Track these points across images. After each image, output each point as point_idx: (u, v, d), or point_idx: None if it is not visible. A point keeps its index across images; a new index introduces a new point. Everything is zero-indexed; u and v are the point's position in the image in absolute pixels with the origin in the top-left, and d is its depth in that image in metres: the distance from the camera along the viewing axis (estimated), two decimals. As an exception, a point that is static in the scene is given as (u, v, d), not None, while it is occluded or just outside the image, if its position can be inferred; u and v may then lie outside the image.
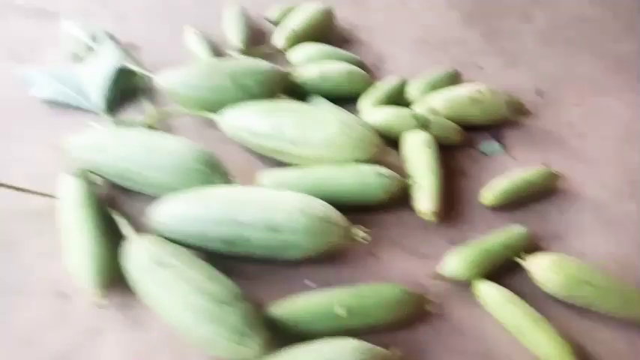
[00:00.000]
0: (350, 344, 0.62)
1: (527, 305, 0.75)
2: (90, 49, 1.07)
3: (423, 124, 0.96)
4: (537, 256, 0.80)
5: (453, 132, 1.00)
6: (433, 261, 0.83)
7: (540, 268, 0.78)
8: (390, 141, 0.94)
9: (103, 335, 0.71)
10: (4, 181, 0.79)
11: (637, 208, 0.96)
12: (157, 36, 1.22)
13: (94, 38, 1.08)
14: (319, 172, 0.83)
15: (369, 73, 1.14)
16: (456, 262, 0.78)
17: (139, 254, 0.70)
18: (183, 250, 0.72)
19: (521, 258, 0.81)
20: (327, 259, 0.81)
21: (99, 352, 0.69)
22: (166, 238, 0.75)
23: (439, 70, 1.12)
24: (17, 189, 0.80)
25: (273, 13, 1.27)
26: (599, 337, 0.76)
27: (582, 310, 0.78)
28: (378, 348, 0.64)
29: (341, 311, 0.68)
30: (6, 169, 0.90)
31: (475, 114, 1.03)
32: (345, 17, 1.35)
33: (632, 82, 1.27)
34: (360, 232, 0.76)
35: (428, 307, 0.75)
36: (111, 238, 0.77)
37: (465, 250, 0.80)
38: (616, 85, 1.26)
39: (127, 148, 0.81)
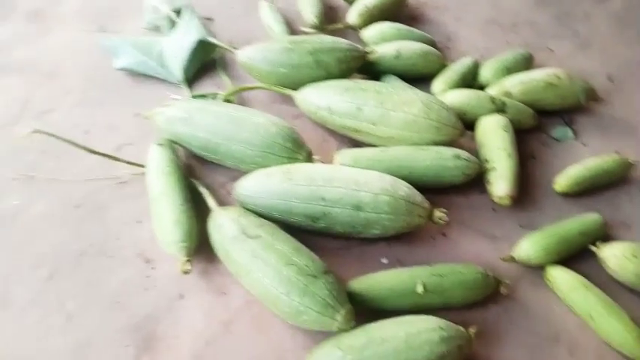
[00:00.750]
0: (432, 320, 0.65)
1: (599, 291, 0.76)
2: (171, 20, 1.09)
3: (500, 108, 0.96)
4: (611, 244, 0.80)
5: (528, 116, 0.99)
6: (503, 243, 0.85)
7: (614, 256, 0.78)
8: (465, 123, 0.94)
9: (186, 300, 0.75)
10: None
11: None
12: (232, 10, 1.24)
13: (174, 10, 1.10)
14: (397, 152, 0.85)
15: (441, 53, 1.14)
16: (529, 246, 0.79)
17: (227, 224, 0.73)
18: (267, 222, 0.75)
19: (595, 246, 0.82)
20: (401, 238, 0.83)
21: (182, 316, 0.74)
22: (251, 210, 0.78)
23: (513, 53, 1.10)
24: (106, 156, 0.84)
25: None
26: (668, 327, 0.77)
27: (654, 300, 0.79)
28: (457, 326, 0.66)
29: (420, 289, 0.71)
30: (92, 136, 0.95)
31: (550, 99, 1.02)
32: (415, -6, 1.34)
33: None
34: (440, 214, 0.78)
35: (502, 288, 0.76)
36: (195, 208, 0.80)
37: (539, 234, 0.81)
38: (692, 74, 1.22)
39: (212, 120, 0.83)
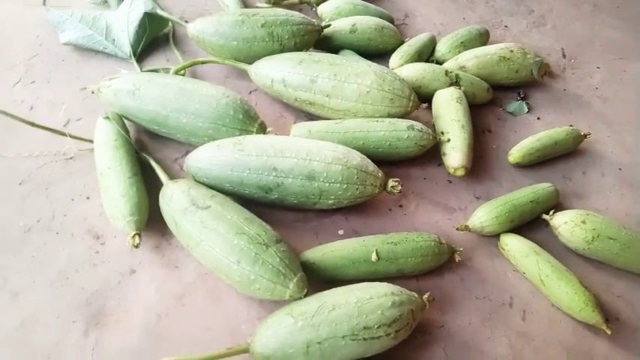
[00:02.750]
0: (384, 286, 0.65)
1: (550, 256, 0.78)
2: (119, -6, 1.06)
3: (454, 81, 0.96)
4: (562, 213, 0.81)
5: (482, 89, 1.00)
6: (459, 214, 0.86)
7: (565, 223, 0.80)
8: (421, 97, 0.94)
9: (137, 275, 0.73)
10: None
11: (659, 170, 0.98)
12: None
13: (123, -17, 1.07)
14: (352, 124, 0.84)
15: (398, 30, 1.14)
16: (482, 215, 0.80)
17: (177, 196, 0.71)
18: (219, 194, 0.73)
19: (548, 214, 0.83)
20: (358, 210, 0.83)
21: (133, 291, 0.72)
22: (203, 183, 0.76)
23: (469, 29, 1.11)
24: (51, 130, 0.81)
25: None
26: (616, 290, 0.80)
27: (600, 265, 0.81)
28: (410, 291, 0.66)
29: (374, 257, 0.70)
30: (39, 111, 0.91)
31: (503, 72, 1.03)
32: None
33: (658, 47, 1.26)
34: (394, 183, 0.77)
35: (457, 256, 0.77)
36: (144, 182, 0.78)
37: (491, 204, 0.81)
38: (642, 50, 1.25)
39: (160, 92, 0.80)
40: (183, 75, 0.95)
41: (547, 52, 1.21)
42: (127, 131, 0.82)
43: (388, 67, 1.03)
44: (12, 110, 0.76)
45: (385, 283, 0.66)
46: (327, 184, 0.73)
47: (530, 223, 0.84)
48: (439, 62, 1.07)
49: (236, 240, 0.64)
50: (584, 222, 0.78)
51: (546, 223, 0.83)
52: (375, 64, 0.91)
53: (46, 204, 0.79)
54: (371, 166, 0.76)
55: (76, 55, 1.01)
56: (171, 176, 0.80)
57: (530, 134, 0.95)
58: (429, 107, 0.95)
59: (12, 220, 0.77)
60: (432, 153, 0.90)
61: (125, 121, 0.85)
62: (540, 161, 0.94)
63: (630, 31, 1.30)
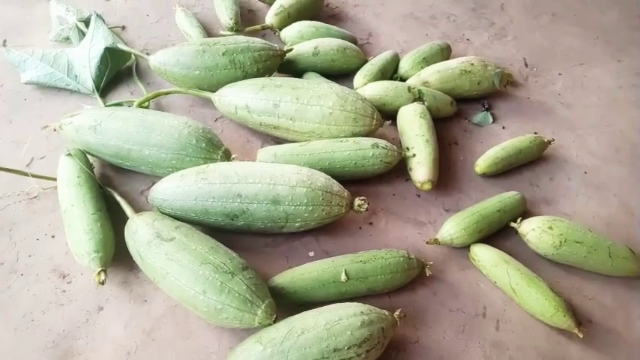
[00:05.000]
0: (353, 306, 0.64)
1: (519, 264, 0.78)
2: (79, 31, 1.06)
3: (417, 96, 0.97)
4: (530, 219, 0.82)
5: (446, 103, 1.01)
6: (429, 228, 0.86)
7: (532, 230, 0.80)
8: (386, 114, 0.95)
9: (105, 312, 0.72)
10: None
11: (622, 171, 1.00)
12: (146, 17, 1.21)
13: (82, 20, 1.07)
14: (317, 146, 0.84)
15: (362, 49, 1.15)
16: (451, 227, 0.80)
17: (141, 230, 0.71)
18: (184, 224, 0.73)
19: (516, 222, 0.83)
20: (328, 230, 0.83)
21: (101, 328, 0.70)
22: (167, 214, 0.76)
23: (430, 44, 1.13)
24: (13, 171, 0.80)
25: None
26: (587, 293, 0.80)
27: (571, 269, 0.82)
28: (380, 309, 0.66)
29: (343, 277, 0.70)
30: (1, 152, 0.90)
31: (466, 85, 1.05)
32: (334, -6, 1.35)
33: (615, 52, 1.29)
34: (360, 202, 0.77)
35: (427, 270, 0.77)
36: (109, 217, 0.77)
37: (460, 215, 0.82)
38: (600, 55, 1.28)
39: (121, 126, 0.80)
40: (147, 107, 0.95)
41: (509, 63, 1.23)
42: (90, 167, 0.82)
43: (353, 86, 1.05)
44: (-27, 153, 0.76)
45: (355, 303, 0.66)
46: (293, 207, 0.73)
47: (499, 232, 0.85)
48: (403, 79, 1.08)
49: (201, 270, 0.63)
50: (550, 228, 0.79)
51: (515, 231, 0.84)
52: (337, 85, 0.92)
53: (10, 245, 0.78)
54: (336, 187, 0.76)
55: (38, 93, 1.00)
56: (138, 209, 0.79)
57: (496, 144, 0.97)
58: (394, 124, 0.96)
59: (-25, 265, 0.75)
60: (399, 169, 0.90)
61: (89, 156, 0.84)
62: (507, 170, 0.95)
63: (588, 37, 1.33)
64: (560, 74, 1.22)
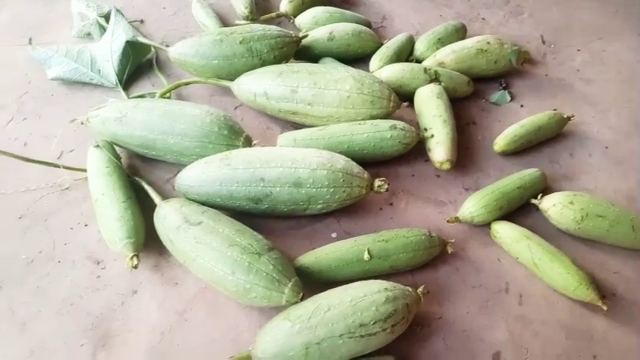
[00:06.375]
0: (378, 283, 0.66)
1: (541, 239, 0.79)
2: (100, 26, 1.08)
3: (433, 77, 0.98)
4: (551, 195, 0.83)
5: (463, 83, 1.02)
6: (449, 207, 0.87)
7: (553, 205, 0.81)
8: (403, 96, 0.96)
9: (139, 295, 0.75)
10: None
11: (642, 145, 0.99)
12: (163, 10, 1.24)
13: (102, 15, 1.09)
14: (336, 130, 0.86)
15: (377, 33, 1.16)
16: (471, 205, 0.81)
17: (170, 215, 0.73)
18: (211, 209, 0.75)
19: (536, 199, 0.84)
20: (349, 212, 0.84)
21: (136, 311, 0.73)
22: (194, 200, 0.78)
23: (445, 25, 1.13)
24: (44, 163, 0.83)
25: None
26: (610, 267, 0.81)
27: (593, 244, 0.82)
28: (404, 286, 0.68)
29: (366, 256, 0.72)
30: (33, 146, 0.94)
31: (482, 65, 1.05)
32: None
33: (635, 24, 1.27)
34: (380, 183, 0.79)
35: (449, 248, 0.78)
36: (139, 204, 0.80)
37: (479, 193, 0.83)
38: (619, 29, 1.26)
39: (146, 116, 0.83)
40: (168, 97, 0.98)
41: (526, 40, 1.22)
42: (118, 157, 0.85)
43: (369, 70, 1.05)
44: (6, 148, 0.79)
45: (379, 280, 0.67)
46: (314, 190, 0.75)
47: (520, 209, 0.85)
48: (419, 61, 1.09)
49: (229, 252, 0.66)
50: (572, 203, 0.79)
51: (536, 208, 0.84)
52: (353, 68, 0.93)
53: (46, 235, 0.81)
54: (356, 168, 0.78)
55: (64, 89, 1.03)
56: (164, 196, 0.82)
57: (514, 122, 0.97)
58: (412, 105, 0.97)
59: (15, 253, 0.79)
60: (418, 150, 0.91)
61: (116, 147, 0.87)
62: (526, 147, 0.95)
63: (605, 11, 1.31)
64: (578, 50, 1.20)
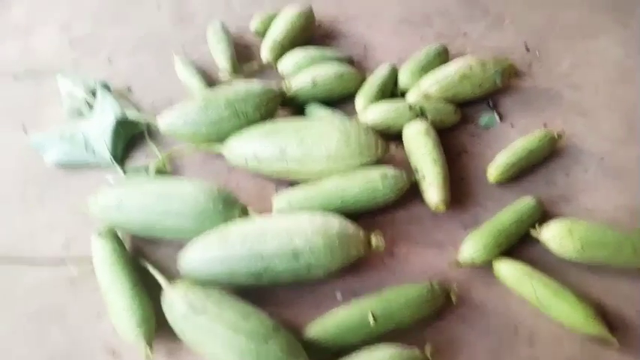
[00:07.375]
0: (384, 351, 0.68)
1: (544, 276, 0.79)
2: (88, 103, 1.10)
3: (419, 113, 0.98)
4: (549, 225, 0.83)
5: (449, 113, 1.02)
6: (450, 248, 0.88)
7: (553, 236, 0.81)
8: (392, 136, 0.97)
9: (156, 384, 0.77)
10: (37, 253, 0.84)
11: (638, 152, 0.98)
12: (147, 72, 1.24)
13: (90, 91, 1.11)
14: (329, 186, 0.87)
15: (359, 65, 1.16)
16: (470, 247, 0.82)
17: (175, 303, 0.75)
18: (215, 291, 0.76)
19: (535, 229, 0.84)
20: (352, 269, 0.85)
21: (156, 400, 0.75)
22: (197, 281, 0.80)
23: (426, 50, 1.13)
24: (52, 263, 0.85)
25: (255, 24, 1.27)
26: (618, 292, 0.81)
27: (599, 269, 0.82)
28: (411, 349, 0.69)
29: (371, 320, 0.73)
30: (36, 239, 0.95)
31: (467, 90, 1.05)
32: (324, 11, 1.35)
33: (622, 18, 1.26)
34: (377, 239, 0.80)
35: (452, 297, 0.79)
36: (147, 290, 0.82)
37: (477, 234, 0.83)
38: (604, 24, 1.25)
39: (142, 200, 0.84)
40: (164, 166, 1.00)
41: (510, 51, 1.22)
42: (121, 244, 0.87)
43: (355, 109, 1.06)
44: (11, 243, 0.81)
45: (385, 347, 0.69)
46: (313, 258, 0.76)
47: (522, 241, 0.85)
48: (403, 93, 1.09)
49: (235, 340, 0.68)
50: (570, 231, 0.79)
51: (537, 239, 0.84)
52: (339, 117, 0.94)
53: (62, 331, 0.83)
54: (351, 229, 0.79)
55: (63, 172, 1.04)
56: (172, 274, 0.83)
57: (506, 145, 0.97)
58: (402, 144, 0.97)
59: (34, 356, 0.81)
60: (412, 191, 0.91)
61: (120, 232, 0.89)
62: (520, 173, 0.95)
63: (586, 8, 1.30)
64: (563, 52, 1.19)
